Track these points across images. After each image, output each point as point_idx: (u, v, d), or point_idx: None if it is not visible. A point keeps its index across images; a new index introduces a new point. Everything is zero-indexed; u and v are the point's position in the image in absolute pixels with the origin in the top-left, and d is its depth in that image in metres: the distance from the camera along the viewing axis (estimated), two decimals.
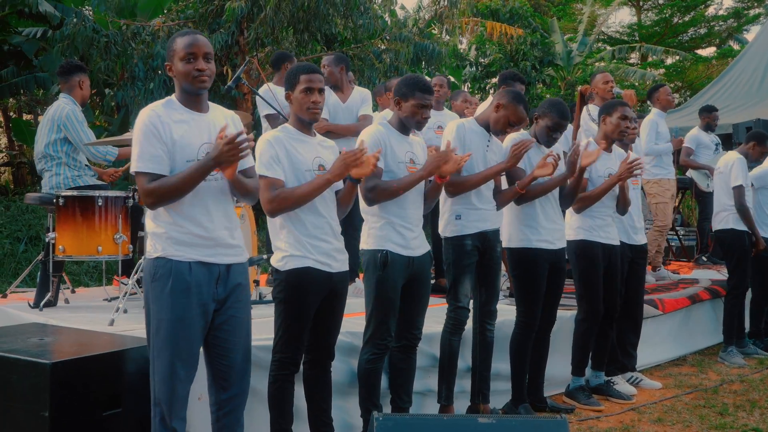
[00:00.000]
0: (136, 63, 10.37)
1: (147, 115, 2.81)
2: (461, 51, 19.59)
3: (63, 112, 5.10)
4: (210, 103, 3.01)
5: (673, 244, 10.07)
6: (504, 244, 4.47)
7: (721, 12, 26.27)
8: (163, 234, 2.83)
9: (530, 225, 4.40)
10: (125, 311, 4.53)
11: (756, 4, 25.48)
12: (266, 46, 11.70)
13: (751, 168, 6.39)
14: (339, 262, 3.41)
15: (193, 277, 2.82)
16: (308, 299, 3.31)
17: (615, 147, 5.00)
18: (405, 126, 3.77)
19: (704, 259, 8.90)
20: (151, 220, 2.90)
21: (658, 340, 6.11)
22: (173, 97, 2.93)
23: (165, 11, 12.52)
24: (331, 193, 3.39)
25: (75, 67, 5.29)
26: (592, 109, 6.83)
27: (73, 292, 5.73)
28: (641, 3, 26.72)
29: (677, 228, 10.49)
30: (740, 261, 6.26)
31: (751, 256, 6.22)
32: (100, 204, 4.74)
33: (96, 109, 12.73)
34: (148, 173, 2.77)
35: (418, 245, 3.75)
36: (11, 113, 17.03)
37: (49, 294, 4.91)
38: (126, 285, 4.80)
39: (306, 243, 3.30)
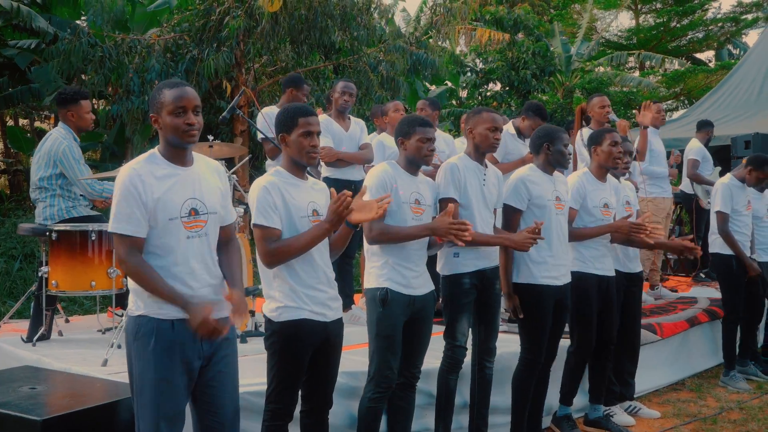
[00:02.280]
0: (131, 77, 10.32)
1: (127, 174, 2.74)
2: (461, 56, 19.53)
3: (60, 149, 5.02)
4: (194, 154, 2.94)
5: (671, 257, 10.03)
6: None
7: (719, 16, 26.25)
8: (144, 292, 2.77)
9: (537, 261, 4.34)
10: (119, 346, 4.49)
11: (755, 9, 25.46)
12: (263, 56, 11.70)
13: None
14: (333, 311, 3.35)
15: (176, 336, 2.76)
16: (303, 350, 3.25)
17: (609, 177, 4.96)
18: (412, 164, 3.76)
19: (702, 275, 8.88)
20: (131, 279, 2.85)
21: (657, 365, 6.07)
22: (156, 150, 2.86)
23: (160, 23, 12.48)
24: (324, 242, 3.34)
25: (68, 99, 5.20)
26: (585, 134, 6.79)
27: (67, 321, 5.69)
28: (639, 7, 26.69)
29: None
30: (730, 285, 6.26)
31: (742, 280, 6.19)
32: (93, 238, 4.70)
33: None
34: (123, 235, 2.72)
35: (420, 284, 3.73)
36: (7, 120, 17.01)
37: (43, 328, 4.88)
38: (120, 317, 4.76)
39: (301, 293, 3.23)
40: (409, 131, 3.71)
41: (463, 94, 21.02)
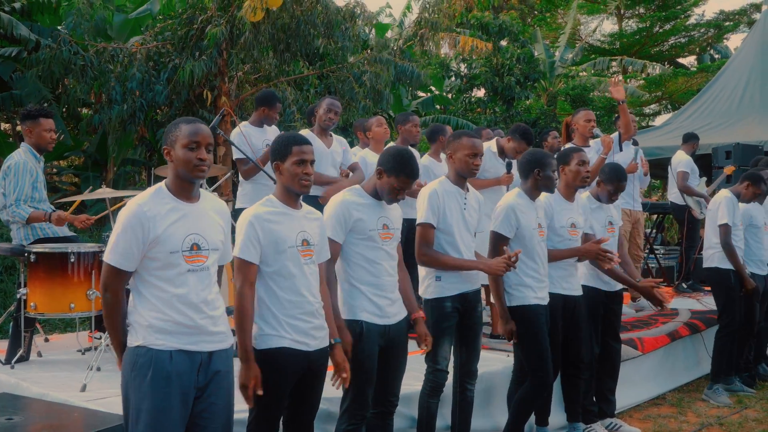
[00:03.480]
0: (113, 86, 10.24)
1: (133, 210, 2.79)
2: (446, 60, 19.54)
3: (9, 162, 4.96)
4: (201, 191, 2.99)
5: (653, 266, 10.10)
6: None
7: (702, 21, 26.46)
8: (143, 322, 2.79)
9: (526, 284, 4.38)
10: (98, 369, 4.47)
11: (738, 16, 25.70)
12: (246, 63, 11.64)
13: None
14: (317, 340, 3.33)
15: (174, 367, 2.78)
16: (283, 379, 3.23)
17: (577, 196, 4.96)
18: (380, 196, 3.72)
19: (684, 286, 8.94)
20: (131, 308, 2.86)
21: (638, 380, 6.10)
22: (163, 184, 2.90)
23: (143, 31, 12.40)
24: (313, 270, 3.33)
25: (28, 116, 5.12)
26: None
27: (46, 340, 5.65)
28: (623, 12, 26.85)
29: (656, 248, 10.54)
30: (728, 299, 6.28)
31: (739, 294, 6.23)
32: (72, 260, 4.66)
33: (72, 131, 12.61)
34: (114, 267, 2.77)
35: (394, 312, 3.71)
36: None
37: (21, 350, 4.83)
38: (99, 340, 4.73)
39: (283, 321, 3.22)
40: (391, 171, 3.61)
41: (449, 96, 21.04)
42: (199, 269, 2.86)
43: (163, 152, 2.90)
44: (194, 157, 2.82)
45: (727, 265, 6.18)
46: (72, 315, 4.70)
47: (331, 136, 5.88)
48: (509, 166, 6.12)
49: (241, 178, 5.80)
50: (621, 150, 6.94)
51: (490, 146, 6.22)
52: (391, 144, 6.56)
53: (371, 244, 3.63)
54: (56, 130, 5.31)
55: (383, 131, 6.38)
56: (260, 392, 3.08)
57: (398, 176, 3.59)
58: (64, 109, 12.04)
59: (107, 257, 2.79)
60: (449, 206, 4.09)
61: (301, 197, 3.36)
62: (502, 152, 6.20)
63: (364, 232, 3.61)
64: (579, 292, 4.86)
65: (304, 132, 5.86)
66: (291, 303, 3.22)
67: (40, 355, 5.08)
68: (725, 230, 6.15)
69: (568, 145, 6.82)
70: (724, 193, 6.30)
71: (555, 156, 4.92)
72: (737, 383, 6.44)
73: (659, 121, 25.90)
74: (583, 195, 5.13)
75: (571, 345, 4.82)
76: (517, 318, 4.38)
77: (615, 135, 6.88)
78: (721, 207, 6.20)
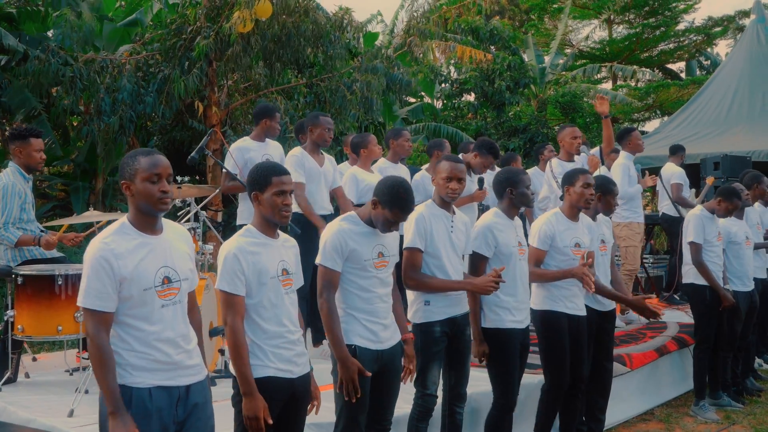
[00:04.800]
0: (102, 97, 10.20)
1: (99, 248, 2.73)
2: (436, 66, 19.57)
3: None
4: (163, 220, 2.95)
5: (641, 275, 10.14)
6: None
7: (691, 27, 26.60)
8: (121, 361, 2.76)
9: (502, 306, 4.37)
10: (86, 391, 4.45)
11: (725, 22, 25.84)
12: (236, 72, 11.63)
13: None
14: (300, 366, 3.34)
15: (154, 403, 2.78)
16: (270, 408, 3.23)
17: (582, 215, 5.00)
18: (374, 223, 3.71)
19: (676, 297, 8.98)
20: None
21: (626, 396, 6.12)
22: (126, 219, 2.85)
23: (132, 39, 12.35)
24: (293, 299, 3.33)
25: (17, 135, 5.10)
26: (555, 165, 6.84)
27: (34, 359, 5.62)
28: (612, 18, 26.96)
29: (645, 257, 10.59)
30: (703, 315, 6.28)
31: (716, 310, 6.24)
32: (59, 283, 4.64)
33: (60, 140, 12.53)
34: (94, 310, 2.71)
35: (387, 337, 3.71)
36: None
37: (9, 372, 4.82)
38: (87, 360, 4.71)
39: (267, 351, 3.22)
40: (386, 204, 3.58)
41: (438, 104, 21.05)
42: (172, 303, 2.85)
43: (122, 187, 2.84)
44: (156, 190, 2.78)
45: (702, 281, 6.17)
46: (60, 338, 4.69)
47: (322, 153, 5.87)
48: (481, 182, 6.12)
49: (240, 194, 5.84)
50: (603, 164, 7.00)
51: None
52: (382, 160, 6.55)
53: (365, 273, 3.63)
54: (46, 138, 5.27)
55: (379, 151, 6.38)
56: (270, 421, 3.09)
57: (392, 209, 3.58)
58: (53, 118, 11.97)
59: (83, 302, 2.73)
60: (436, 229, 4.09)
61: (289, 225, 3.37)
62: (469, 168, 6.18)
63: (359, 261, 3.61)
64: (583, 313, 4.88)
65: (296, 150, 5.86)
66: (274, 333, 3.23)
67: (27, 376, 5.06)
68: (695, 248, 6.15)
69: (546, 171, 6.90)
70: (695, 211, 6.30)
71: (563, 176, 4.95)
72: (725, 398, 6.46)
73: (649, 126, 26.06)
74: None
75: (573, 365, 4.83)
76: (490, 340, 4.37)
77: (596, 149, 6.95)
78: (689, 225, 6.21)
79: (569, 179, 4.87)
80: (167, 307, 2.83)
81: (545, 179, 6.96)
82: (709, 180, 9.26)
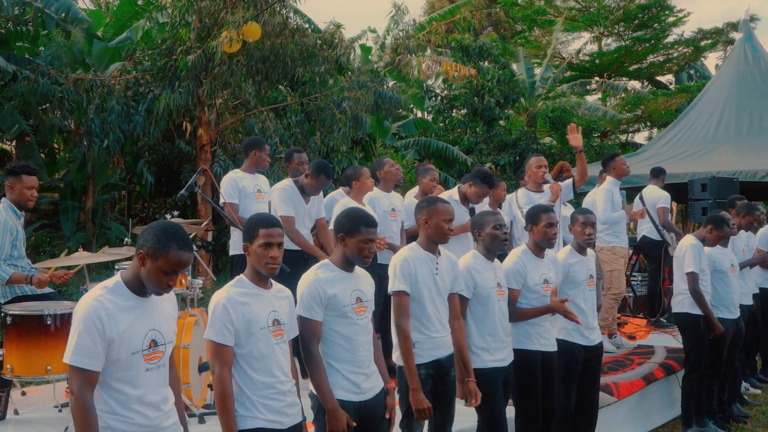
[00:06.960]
0: (91, 119, 10.19)
1: (92, 306, 2.74)
2: (425, 82, 19.66)
3: None
4: None
5: (629, 295, 10.20)
6: None
7: (680, 40, 26.78)
8: (101, 423, 2.76)
9: (483, 347, 4.42)
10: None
11: (715, 35, 26.03)
12: (225, 90, 11.63)
13: None
14: (291, 417, 3.35)
15: None
16: None
17: (547, 251, 5.02)
18: (350, 263, 3.71)
19: (663, 320, 9.02)
20: None
21: (614, 425, 6.15)
22: (120, 279, 2.87)
23: (122, 57, 12.34)
24: (284, 350, 3.35)
25: (11, 171, 5.12)
26: (520, 196, 6.87)
27: (23, 394, 5.61)
28: (602, 31, 27.10)
29: (633, 276, 10.63)
30: (695, 344, 6.30)
31: (707, 339, 6.28)
32: (48, 322, 4.64)
33: (47, 161, 12.51)
34: (81, 368, 2.71)
35: (369, 387, 3.71)
36: None
37: None
38: None
39: (256, 402, 3.24)
40: (352, 229, 3.62)
41: (429, 117, 21.11)
42: (156, 366, 2.88)
43: (137, 255, 2.85)
44: (167, 281, 2.82)
45: (697, 310, 6.21)
46: (49, 377, 4.67)
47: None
48: (473, 212, 6.14)
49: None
50: (575, 197, 7.07)
51: (452, 194, 6.25)
52: (375, 190, 6.56)
53: (346, 321, 3.63)
54: (34, 162, 5.29)
55: (371, 183, 6.42)
56: None
57: (360, 230, 3.60)
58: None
59: (70, 359, 2.71)
60: (421, 273, 4.11)
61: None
62: (465, 199, 6.21)
63: (338, 308, 3.61)
64: (554, 348, 4.92)
65: (285, 182, 5.90)
66: (264, 384, 3.25)
67: (16, 413, 5.06)
68: (693, 278, 6.17)
69: (513, 201, 6.93)
70: (689, 240, 6.31)
71: (527, 214, 4.99)
72: (711, 426, 6.50)
73: (638, 138, 26.19)
74: (566, 249, 5.23)
75: (545, 399, 4.86)
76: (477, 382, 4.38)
77: (569, 182, 6.98)
78: (686, 255, 6.21)
79: (532, 218, 4.90)
80: (151, 371, 2.86)
81: (510, 208, 7.01)
82: (673, 205, 9.37)
